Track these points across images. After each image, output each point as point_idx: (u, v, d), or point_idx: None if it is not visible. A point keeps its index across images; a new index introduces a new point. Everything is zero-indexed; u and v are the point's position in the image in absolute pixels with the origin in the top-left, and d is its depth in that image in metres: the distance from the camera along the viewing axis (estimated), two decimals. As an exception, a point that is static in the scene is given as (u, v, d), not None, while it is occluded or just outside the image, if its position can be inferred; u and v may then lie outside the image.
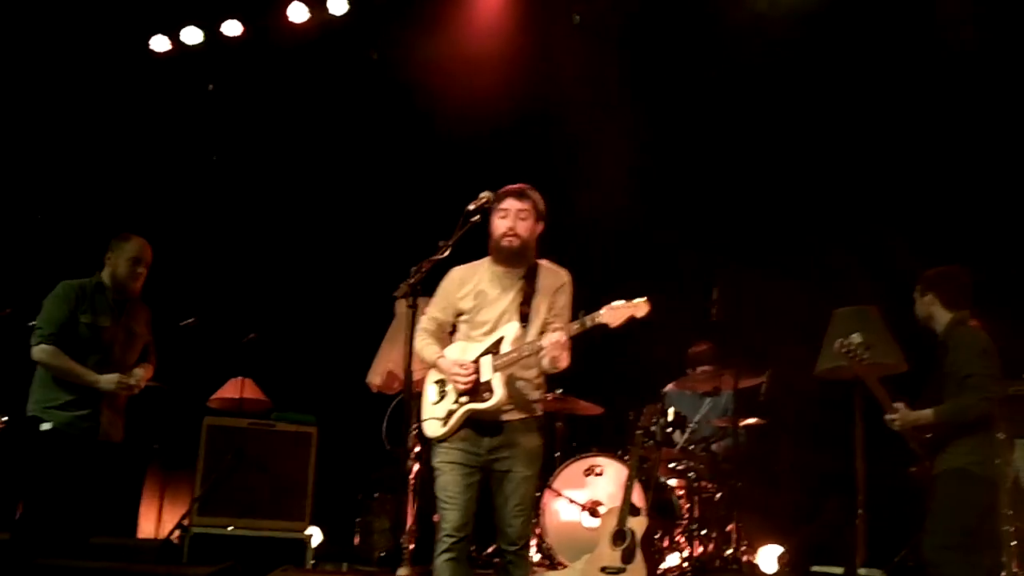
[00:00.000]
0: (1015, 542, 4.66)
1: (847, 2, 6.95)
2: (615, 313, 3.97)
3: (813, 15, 6.95)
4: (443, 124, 7.79)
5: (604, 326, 4.00)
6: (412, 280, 4.30)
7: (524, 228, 4.23)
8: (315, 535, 6.42)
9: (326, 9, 7.82)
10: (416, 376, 5.65)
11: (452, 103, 7.61)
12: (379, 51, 8.02)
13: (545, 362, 4.13)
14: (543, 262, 4.33)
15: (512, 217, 4.22)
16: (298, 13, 7.87)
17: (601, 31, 7.62)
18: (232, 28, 7.99)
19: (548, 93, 7.70)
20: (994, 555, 4.85)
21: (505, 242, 4.21)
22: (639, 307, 3.98)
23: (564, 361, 4.09)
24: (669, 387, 6.94)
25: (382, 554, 6.41)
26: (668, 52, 7.51)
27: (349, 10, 7.82)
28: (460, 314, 4.31)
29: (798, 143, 7.19)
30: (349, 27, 7.92)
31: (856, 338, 4.91)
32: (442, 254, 4.32)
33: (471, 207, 4.29)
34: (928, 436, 4.84)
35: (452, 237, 4.30)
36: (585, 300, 4.25)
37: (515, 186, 4.30)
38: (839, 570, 5.84)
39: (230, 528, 5.71)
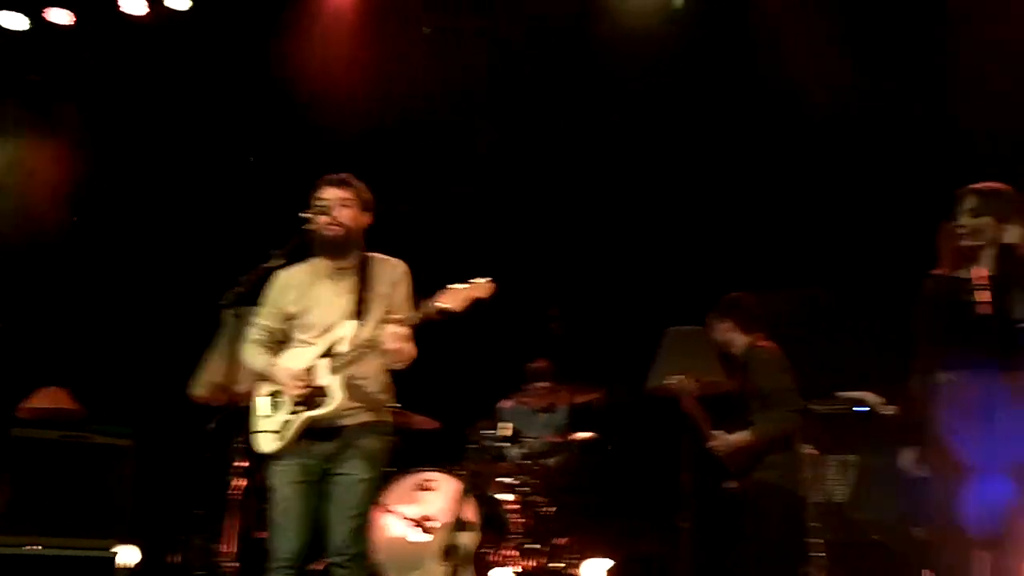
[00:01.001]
0: (823, 554, 4.90)
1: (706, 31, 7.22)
2: (456, 295, 3.76)
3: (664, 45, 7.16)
4: (284, 127, 7.61)
5: (448, 311, 3.78)
6: (240, 289, 4.11)
7: (346, 216, 4.04)
8: (131, 553, 6.13)
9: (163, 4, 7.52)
10: (243, 388, 5.53)
11: (296, 104, 7.46)
12: (224, 49, 7.75)
13: (387, 356, 3.94)
14: (375, 255, 4.15)
15: (333, 207, 4.03)
16: (135, 5, 7.52)
17: (452, 43, 7.62)
18: (59, 16, 7.56)
19: (397, 99, 7.63)
20: (804, 567, 5.08)
21: (327, 232, 4.01)
22: (482, 287, 3.78)
23: (406, 354, 3.91)
24: (506, 403, 6.96)
25: (201, 573, 6.17)
26: (518, 68, 7.57)
27: (192, 6, 7.53)
28: (290, 318, 4.10)
29: (643, 159, 7.39)
30: (192, 23, 7.62)
31: (676, 378, 5.10)
32: (273, 264, 4.12)
33: (306, 215, 4.06)
34: (740, 457, 5.04)
35: (286, 246, 4.14)
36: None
37: (336, 175, 4.12)
38: (665, 583, 5.97)
39: (29, 547, 5.36)
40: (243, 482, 5.66)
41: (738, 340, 5.25)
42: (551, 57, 7.51)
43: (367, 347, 3.89)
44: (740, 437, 5.01)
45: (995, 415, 3.58)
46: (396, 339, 3.81)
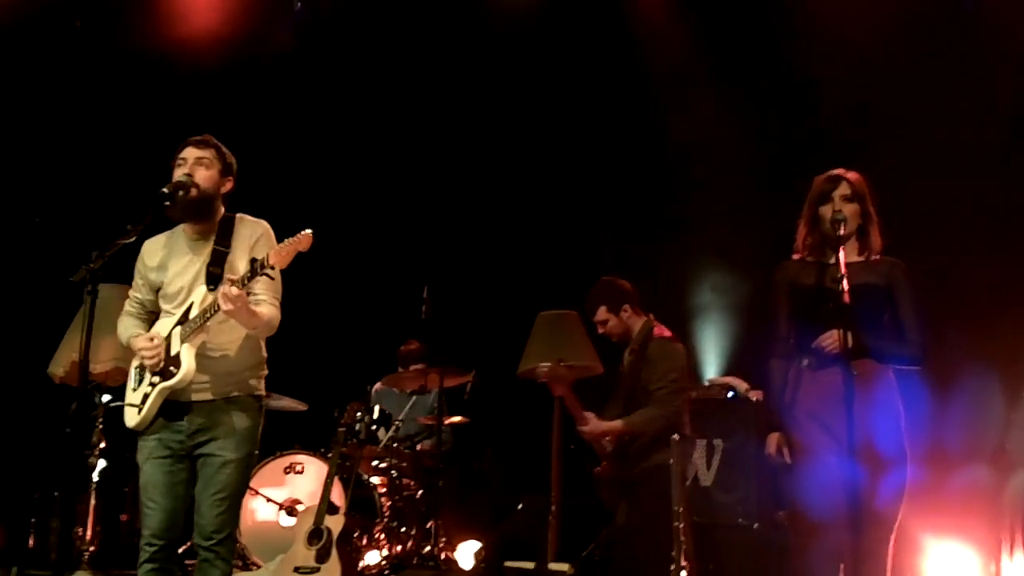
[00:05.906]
0: (683, 538, 4.96)
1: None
2: (279, 252, 3.64)
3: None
4: (149, 97, 7.39)
5: (271, 266, 3.64)
6: (93, 265, 3.92)
7: (204, 177, 3.88)
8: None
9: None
10: (103, 368, 5.38)
11: (162, 72, 7.29)
12: (84, 18, 7.48)
13: (240, 323, 3.76)
14: (240, 216, 3.99)
15: (189, 165, 3.89)
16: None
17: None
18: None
19: (259, 70, 7.57)
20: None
21: (182, 192, 3.82)
22: (302, 240, 3.64)
23: (252, 319, 3.73)
24: (377, 385, 6.95)
25: (57, 556, 5.98)
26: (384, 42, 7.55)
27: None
28: (157, 288, 3.96)
29: (512, 145, 7.44)
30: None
31: (546, 365, 5.16)
32: (129, 238, 3.94)
33: (165, 190, 3.87)
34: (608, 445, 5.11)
35: (143, 220, 3.99)
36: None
37: (198, 136, 3.97)
38: (531, 565, 6.04)
39: None
40: (102, 463, 5.56)
41: (634, 323, 5.27)
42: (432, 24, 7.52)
43: (213, 313, 3.75)
44: (611, 425, 5.07)
45: (848, 400, 3.55)
46: (227, 300, 3.63)
